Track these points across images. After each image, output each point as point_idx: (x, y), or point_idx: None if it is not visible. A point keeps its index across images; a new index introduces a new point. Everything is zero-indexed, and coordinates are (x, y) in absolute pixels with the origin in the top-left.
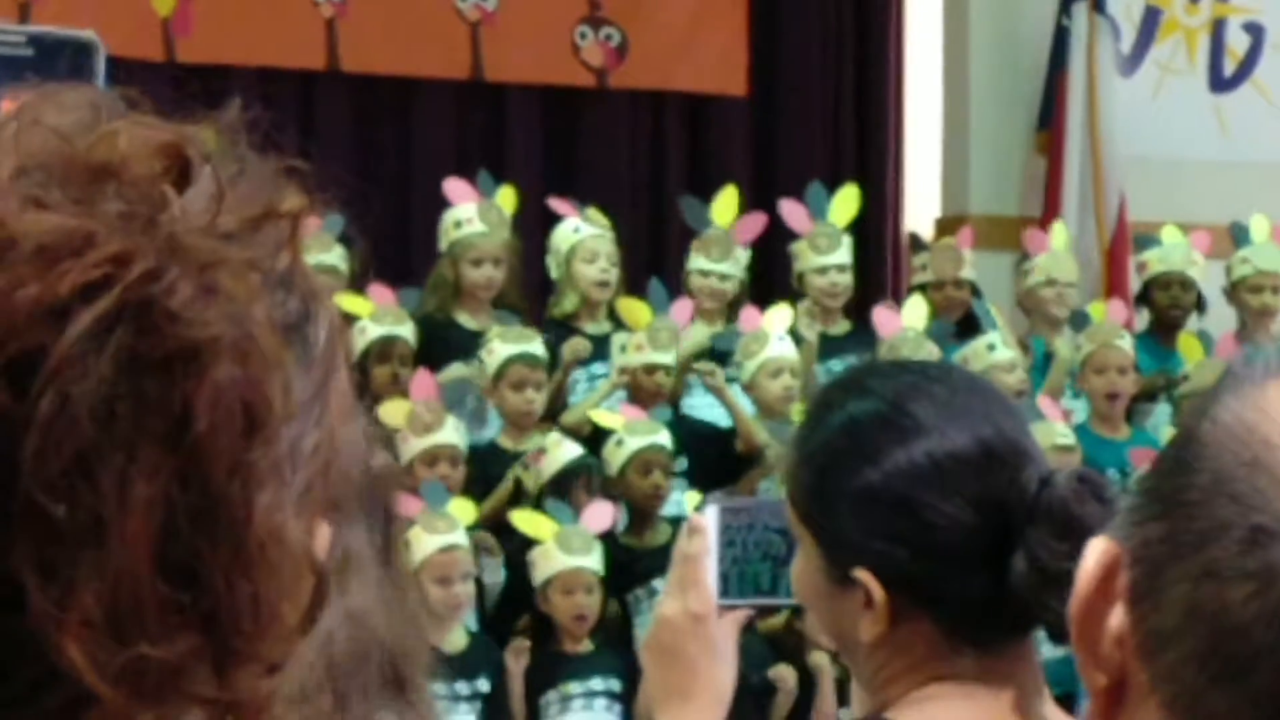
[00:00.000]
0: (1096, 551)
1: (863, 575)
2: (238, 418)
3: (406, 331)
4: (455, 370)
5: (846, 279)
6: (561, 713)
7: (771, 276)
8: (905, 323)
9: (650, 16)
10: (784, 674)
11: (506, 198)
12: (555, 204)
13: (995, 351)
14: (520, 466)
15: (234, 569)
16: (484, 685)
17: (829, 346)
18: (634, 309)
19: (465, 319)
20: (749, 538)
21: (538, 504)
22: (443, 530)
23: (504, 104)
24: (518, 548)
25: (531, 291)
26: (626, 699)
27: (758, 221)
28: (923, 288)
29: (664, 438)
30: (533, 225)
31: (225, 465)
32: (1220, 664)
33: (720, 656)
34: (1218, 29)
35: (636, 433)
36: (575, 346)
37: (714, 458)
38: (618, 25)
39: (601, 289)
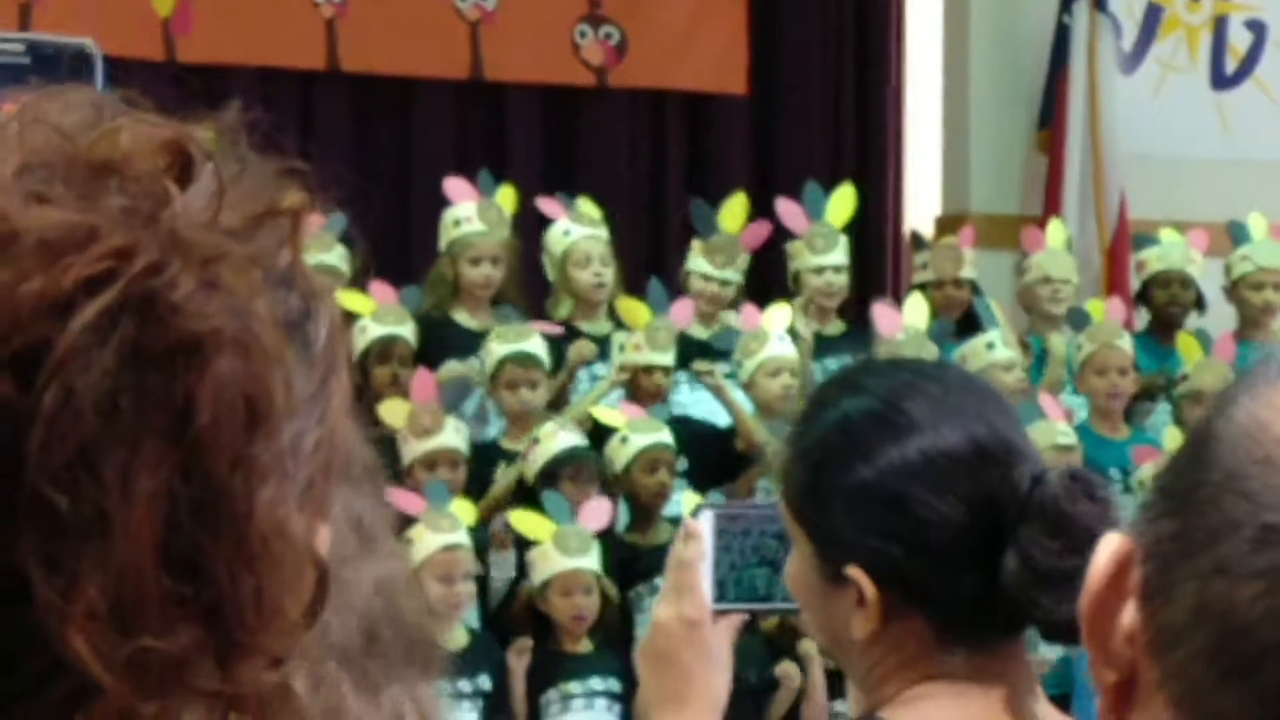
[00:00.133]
0: (1109, 548)
1: (855, 573)
2: (240, 411)
3: (407, 331)
4: (452, 368)
5: (842, 279)
6: (562, 712)
7: (769, 276)
8: (906, 322)
9: (650, 15)
10: (789, 670)
11: (506, 197)
12: (544, 205)
13: (994, 350)
14: (520, 461)
15: (236, 562)
16: (485, 683)
17: (824, 346)
18: (633, 309)
19: (464, 318)
20: (745, 543)
21: (533, 495)
22: (445, 529)
23: (504, 103)
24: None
25: (531, 291)
26: (626, 699)
27: (764, 229)
28: (923, 287)
29: (668, 436)
30: (533, 224)
31: (227, 458)
32: (1229, 662)
33: (715, 662)
34: (1219, 26)
35: (641, 430)
36: (582, 349)
37: (713, 457)
38: (617, 24)
39: (597, 290)
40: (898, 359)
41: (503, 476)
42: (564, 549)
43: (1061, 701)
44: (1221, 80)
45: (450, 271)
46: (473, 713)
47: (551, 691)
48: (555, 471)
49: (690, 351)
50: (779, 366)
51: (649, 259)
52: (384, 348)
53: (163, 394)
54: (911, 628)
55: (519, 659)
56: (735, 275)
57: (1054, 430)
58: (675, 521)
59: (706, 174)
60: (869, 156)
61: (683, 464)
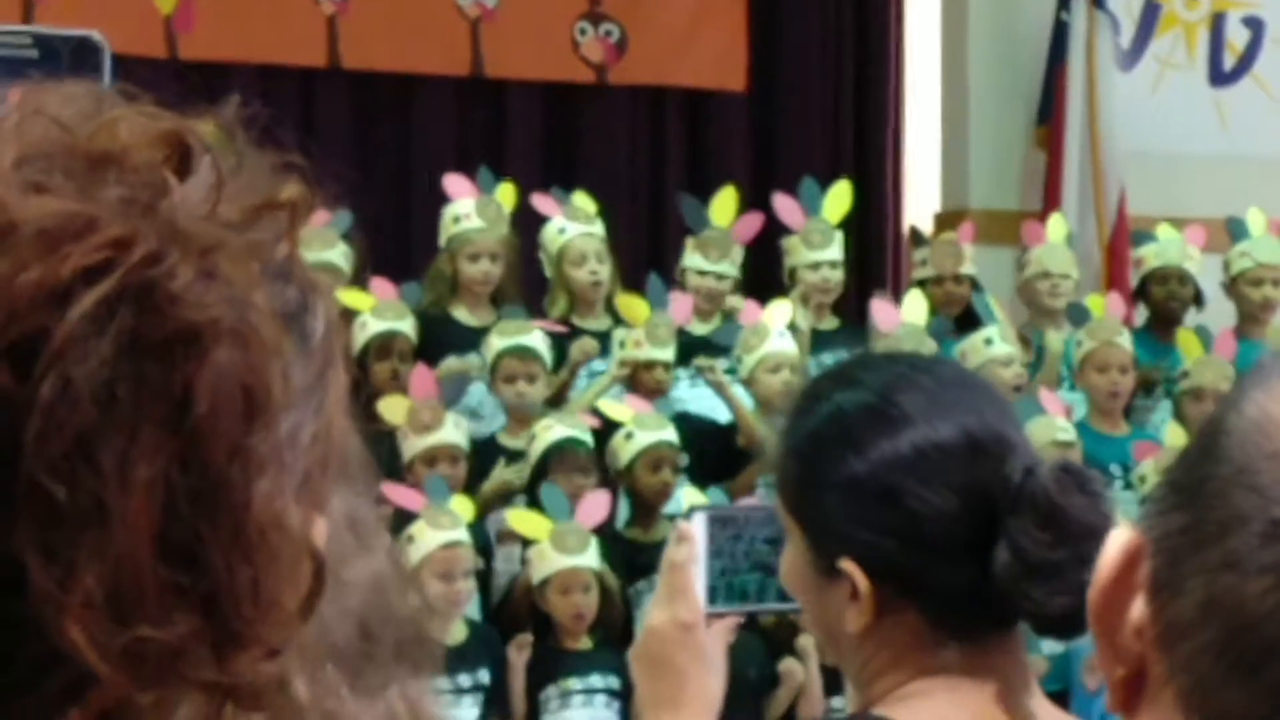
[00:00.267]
0: (1119, 541)
1: (848, 566)
2: (237, 401)
3: (407, 327)
4: (450, 364)
5: (838, 275)
6: (561, 708)
7: (766, 271)
8: (905, 318)
9: (650, 13)
10: (792, 667)
11: (506, 194)
12: (538, 201)
13: (992, 346)
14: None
15: (234, 553)
16: (485, 677)
17: (820, 341)
18: (632, 305)
19: (463, 314)
20: (737, 547)
21: (532, 488)
22: (446, 526)
23: (504, 100)
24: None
25: (531, 288)
26: (626, 696)
27: (756, 221)
28: (923, 283)
29: (673, 434)
30: (532, 221)
31: (225, 448)
32: (1237, 656)
33: (710, 665)
34: (1217, 23)
35: (646, 428)
36: (585, 347)
37: (714, 453)
38: (617, 21)
39: (594, 288)
40: (892, 353)
41: (502, 474)
42: (562, 548)
43: (1060, 698)
44: (1219, 77)
45: (449, 268)
46: (474, 707)
47: (551, 688)
48: (550, 461)
49: (690, 348)
50: (779, 362)
51: (648, 255)
52: (384, 343)
53: (161, 384)
54: (905, 621)
55: (519, 654)
56: (730, 269)
57: (1053, 426)
58: (675, 519)
59: (706, 171)
60: (868, 153)
61: (683, 460)
